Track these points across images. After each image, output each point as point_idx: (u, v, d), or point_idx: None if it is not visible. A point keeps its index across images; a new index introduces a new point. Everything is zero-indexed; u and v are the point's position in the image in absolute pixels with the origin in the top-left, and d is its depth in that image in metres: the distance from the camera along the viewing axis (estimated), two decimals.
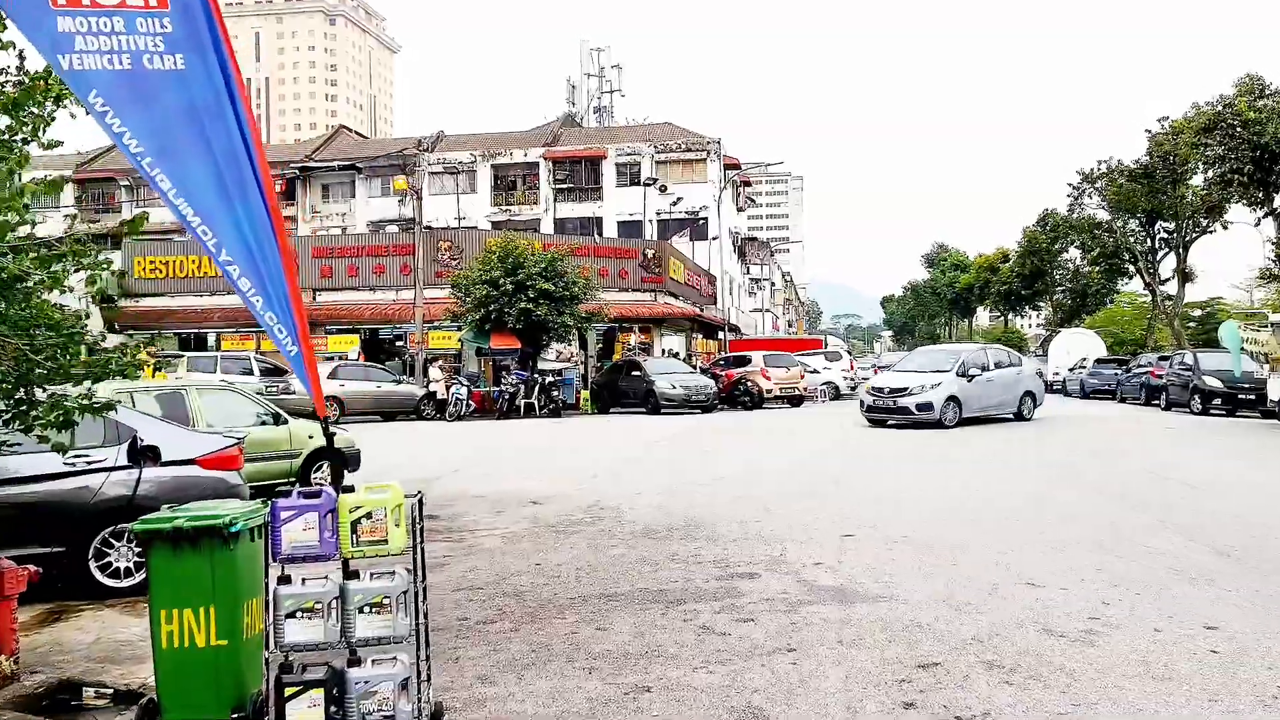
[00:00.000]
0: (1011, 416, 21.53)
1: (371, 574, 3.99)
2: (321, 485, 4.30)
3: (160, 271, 30.89)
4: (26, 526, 6.60)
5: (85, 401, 5.02)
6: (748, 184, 68.22)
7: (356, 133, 64.92)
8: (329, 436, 4.28)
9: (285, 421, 11.44)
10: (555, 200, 52.95)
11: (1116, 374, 32.51)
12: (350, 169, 54.17)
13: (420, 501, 4.29)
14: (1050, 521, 9.07)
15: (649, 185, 42.94)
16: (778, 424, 22.20)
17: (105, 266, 5.25)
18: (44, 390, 4.95)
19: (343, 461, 12.32)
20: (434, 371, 26.06)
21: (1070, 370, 36.57)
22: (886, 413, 20.30)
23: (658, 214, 49.80)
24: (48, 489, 6.73)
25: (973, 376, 20.34)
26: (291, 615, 3.79)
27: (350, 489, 4.04)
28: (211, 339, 31.22)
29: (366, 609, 3.86)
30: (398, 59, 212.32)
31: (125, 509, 6.87)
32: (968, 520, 9.16)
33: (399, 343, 31.11)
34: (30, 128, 4.97)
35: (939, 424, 19.50)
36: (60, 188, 5.08)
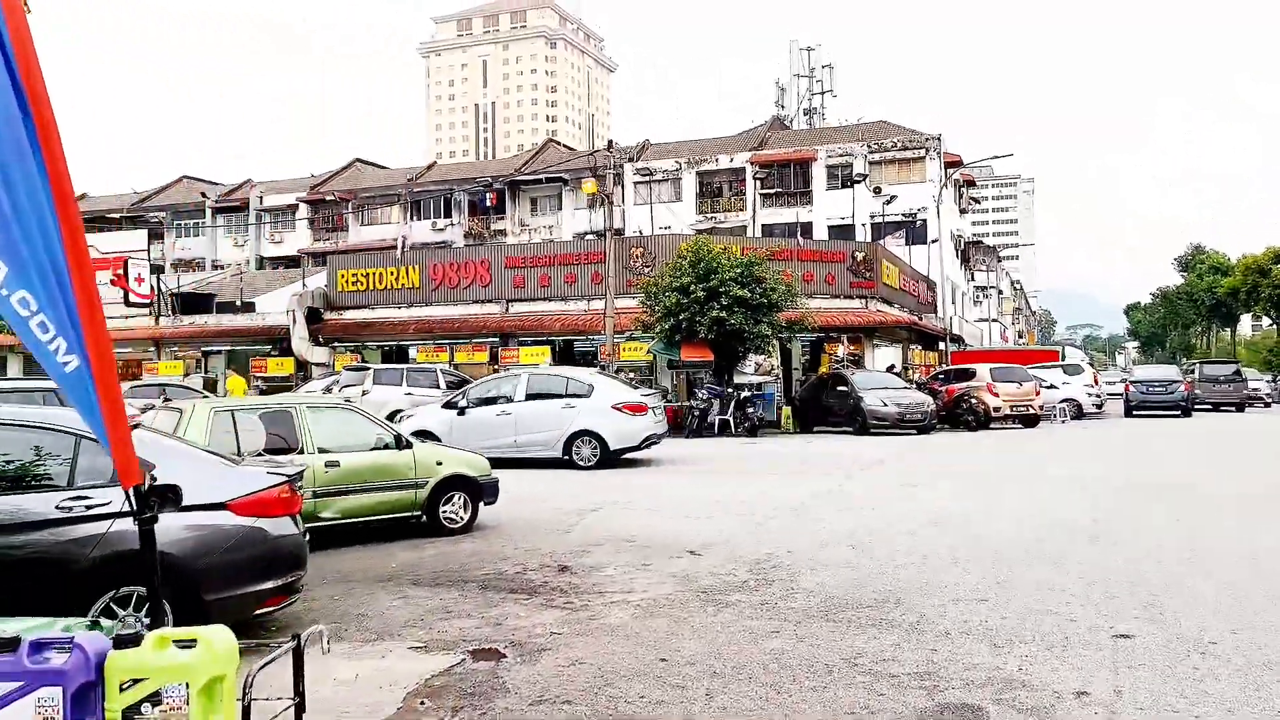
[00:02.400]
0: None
1: None
2: (71, 637, 2.29)
3: (362, 284, 31.14)
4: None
5: None
6: (971, 184, 63.18)
7: (565, 146, 65.31)
8: (139, 505, 2.31)
9: (409, 445, 9.86)
10: (761, 206, 50.70)
11: None
12: (558, 181, 54.25)
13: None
14: None
15: (858, 182, 39.84)
16: (1009, 450, 18.94)
17: None
18: None
19: (477, 492, 10.72)
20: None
21: None
22: None
23: (871, 217, 46.50)
24: (26, 540, 5.24)
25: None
26: None
27: (133, 640, 2.04)
28: (414, 351, 31.15)
29: None
30: (614, 77, 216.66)
31: (131, 568, 5.30)
32: None
33: (595, 356, 29.81)
34: None
35: None
36: None
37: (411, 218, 58.17)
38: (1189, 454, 17.74)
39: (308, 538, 6.55)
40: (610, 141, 28.63)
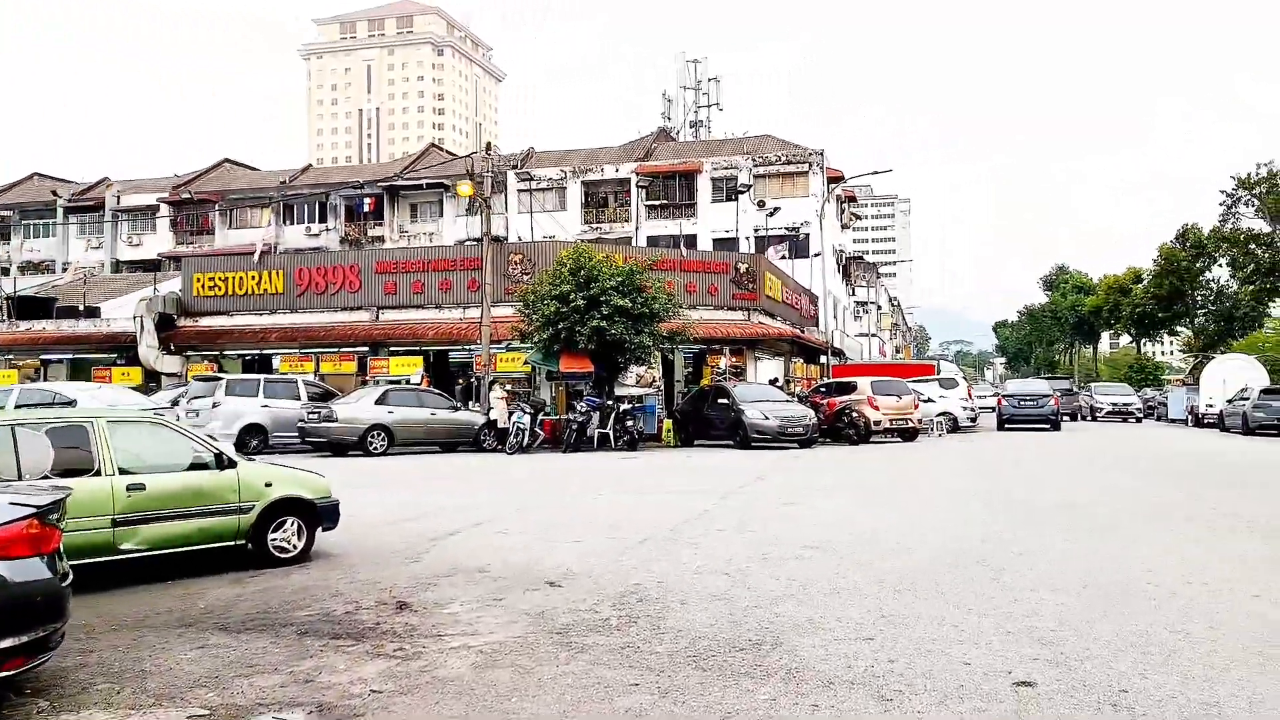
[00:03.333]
0: None
1: None
2: None
3: (220, 289, 29.11)
4: None
5: None
6: (853, 199, 64.31)
7: (447, 151, 63.63)
8: None
9: (232, 464, 8.64)
10: (647, 217, 50.29)
11: None
12: (439, 187, 52.61)
13: None
14: None
15: (742, 192, 39.71)
16: (892, 464, 18.66)
17: None
18: None
19: (314, 517, 9.55)
20: (495, 396, 23.30)
21: (1230, 402, 31.70)
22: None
23: (755, 230, 46.60)
24: None
25: None
26: None
27: None
28: (278, 360, 29.28)
29: None
30: (502, 87, 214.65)
31: None
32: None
33: (470, 366, 28.60)
34: None
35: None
36: None
37: (285, 222, 55.62)
38: (1066, 470, 17.74)
39: (68, 582, 5.36)
40: (489, 143, 27.55)
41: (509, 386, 26.16)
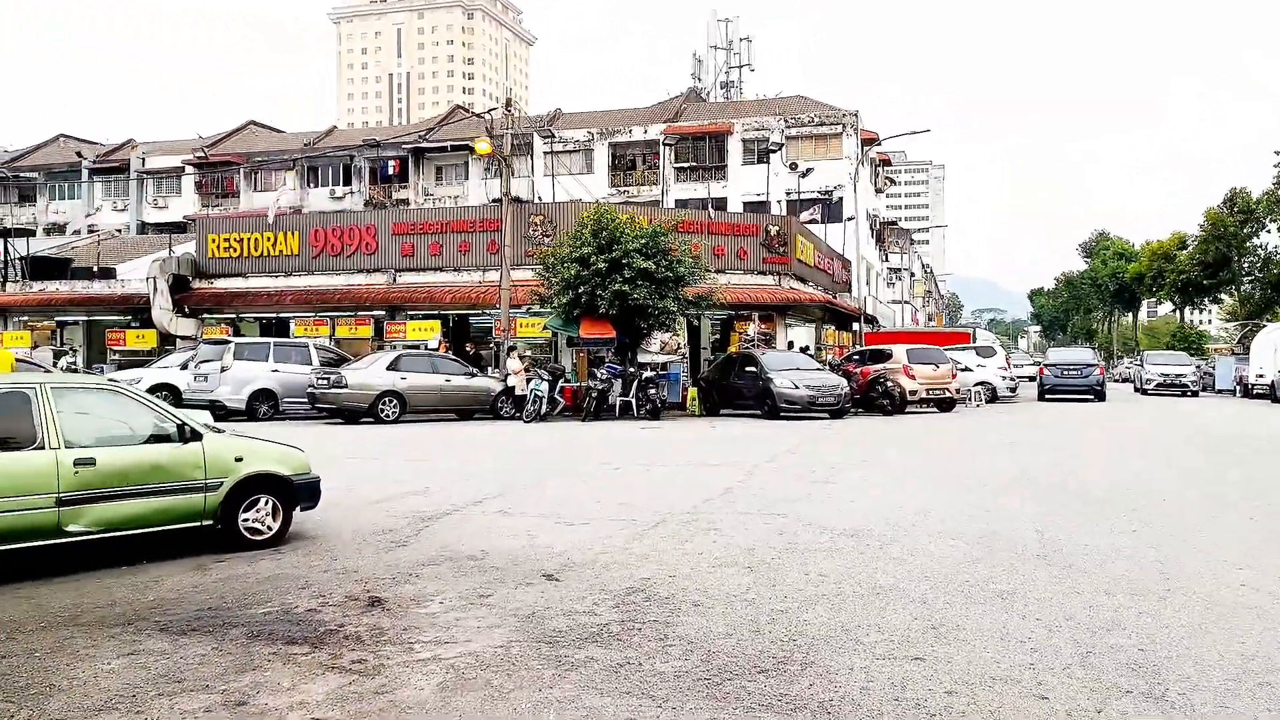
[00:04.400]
0: None
1: None
2: None
3: (235, 250, 28.30)
4: None
5: None
6: (887, 163, 62.49)
7: (472, 112, 62.44)
8: None
9: (197, 437, 7.73)
10: (676, 180, 49.00)
11: None
12: (463, 149, 51.51)
13: None
14: None
15: (773, 151, 38.33)
16: (930, 437, 17.53)
17: None
18: None
19: (290, 495, 8.64)
20: (512, 363, 22.35)
21: None
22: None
23: (787, 194, 45.15)
24: None
25: None
26: None
27: None
28: (295, 324, 28.51)
29: None
30: (533, 51, 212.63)
31: None
32: None
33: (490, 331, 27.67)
34: None
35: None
36: None
37: (309, 185, 54.88)
38: (1121, 447, 16.52)
39: None
40: (508, 99, 26.41)
41: (528, 352, 25.28)
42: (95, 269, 31.76)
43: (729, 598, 6.19)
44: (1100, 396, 29.78)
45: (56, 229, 55.57)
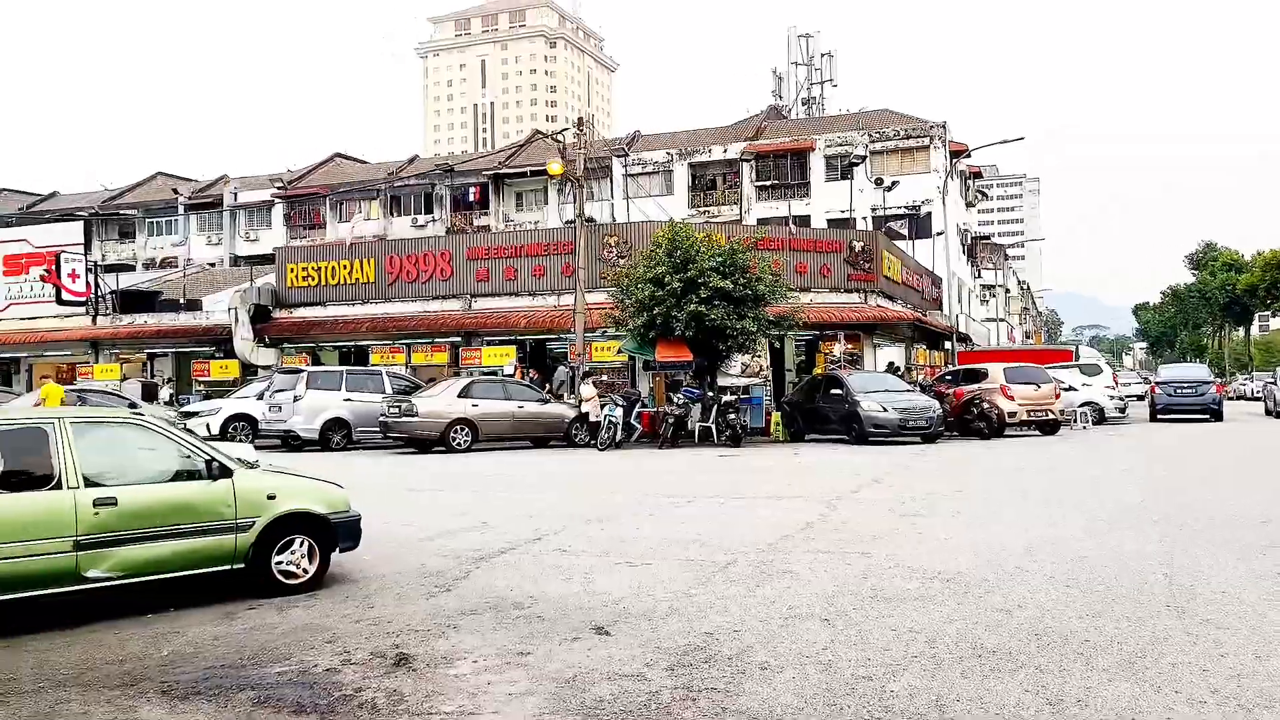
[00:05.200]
0: None
1: None
2: None
3: (313, 279, 28.46)
4: None
5: None
6: (978, 175, 60.46)
7: (551, 137, 62.58)
8: None
9: (227, 473, 7.20)
10: (757, 199, 48.14)
11: None
12: (542, 174, 51.52)
13: None
14: None
15: (856, 164, 37.21)
16: (1033, 463, 16.23)
17: None
18: None
19: (329, 535, 8.05)
20: (585, 389, 21.72)
21: None
22: None
23: (872, 210, 43.82)
24: None
25: None
26: None
27: None
28: (372, 352, 28.47)
29: None
30: (615, 77, 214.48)
31: None
32: None
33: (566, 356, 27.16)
34: None
35: None
36: None
37: (392, 214, 55.66)
38: (1253, 471, 14.95)
39: None
40: (580, 119, 25.98)
41: (604, 377, 24.66)
42: (183, 301, 32.42)
43: (802, 658, 5.33)
44: (1218, 416, 27.76)
45: (154, 264, 57.41)
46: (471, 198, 54.00)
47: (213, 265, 53.49)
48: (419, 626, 6.30)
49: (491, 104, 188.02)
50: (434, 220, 54.23)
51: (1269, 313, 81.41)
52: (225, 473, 7.24)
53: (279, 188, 56.10)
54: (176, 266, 56.47)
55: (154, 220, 60.47)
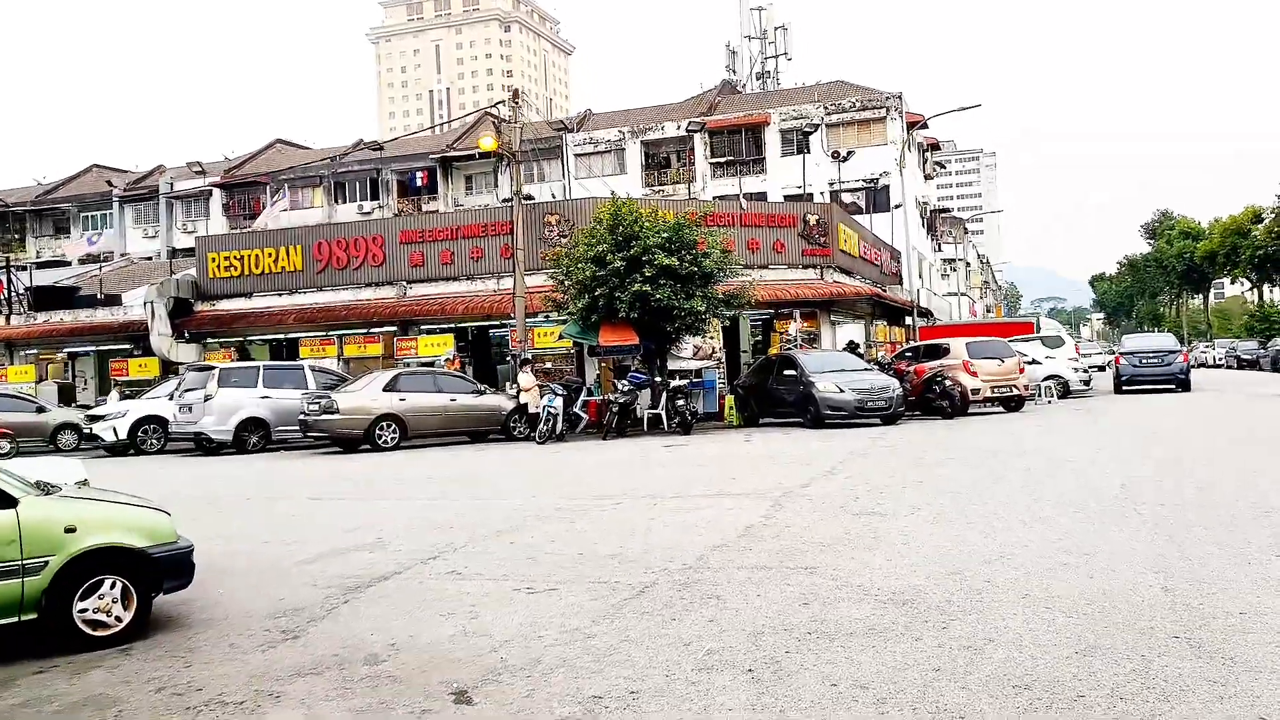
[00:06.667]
0: None
1: None
2: None
3: (236, 268, 26.69)
4: None
5: None
6: (935, 147, 59.52)
7: (500, 119, 60.79)
8: None
9: (10, 503, 5.77)
10: (712, 176, 46.84)
11: None
12: (490, 156, 49.88)
13: None
14: None
15: (810, 133, 36.02)
16: (1000, 445, 15.06)
17: None
18: None
19: (151, 574, 6.60)
20: (524, 378, 20.30)
21: None
22: None
23: (829, 185, 42.71)
24: None
25: None
26: None
27: None
28: (301, 345, 26.79)
29: None
30: (572, 60, 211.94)
31: None
32: None
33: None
34: None
35: None
36: None
37: (337, 201, 53.69)
38: (1244, 451, 13.84)
39: None
40: (515, 91, 24.47)
41: (549, 365, 23.28)
42: (100, 296, 30.51)
43: None
44: (1185, 386, 26.89)
45: (91, 260, 55.04)
46: (419, 182, 52.21)
47: (149, 259, 51.29)
48: (232, 695, 4.92)
49: (447, 90, 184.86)
50: (380, 207, 52.40)
51: (1227, 279, 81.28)
52: (7, 502, 5.80)
53: (223, 175, 53.94)
54: (112, 261, 54.22)
55: (88, 214, 58.04)
